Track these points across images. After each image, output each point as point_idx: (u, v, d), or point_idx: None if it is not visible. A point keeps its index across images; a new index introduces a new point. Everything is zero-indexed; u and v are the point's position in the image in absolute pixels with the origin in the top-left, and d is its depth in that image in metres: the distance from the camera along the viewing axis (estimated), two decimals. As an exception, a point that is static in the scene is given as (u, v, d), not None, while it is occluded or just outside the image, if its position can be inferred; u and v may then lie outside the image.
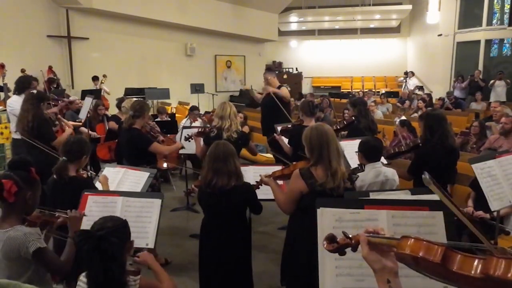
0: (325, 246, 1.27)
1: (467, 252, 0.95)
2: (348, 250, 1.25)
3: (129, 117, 4.02)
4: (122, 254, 1.66)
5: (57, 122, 4.81)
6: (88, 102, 5.89)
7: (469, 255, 0.92)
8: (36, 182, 2.10)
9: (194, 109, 7.22)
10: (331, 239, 1.26)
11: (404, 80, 14.74)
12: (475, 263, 0.89)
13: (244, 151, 4.36)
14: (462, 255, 0.93)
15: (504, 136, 4.71)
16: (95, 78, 9.98)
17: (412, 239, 1.02)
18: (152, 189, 3.55)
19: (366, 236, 1.16)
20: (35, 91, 4.52)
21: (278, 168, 3.19)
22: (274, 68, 6.22)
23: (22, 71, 7.96)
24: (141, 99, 8.92)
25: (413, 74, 14.80)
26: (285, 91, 5.65)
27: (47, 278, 2.11)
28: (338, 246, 1.24)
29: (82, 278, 1.68)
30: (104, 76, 10.02)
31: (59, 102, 5.38)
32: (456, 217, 1.11)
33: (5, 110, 5.57)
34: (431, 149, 3.42)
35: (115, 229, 1.63)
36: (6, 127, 6.39)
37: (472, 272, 0.88)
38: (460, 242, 1.01)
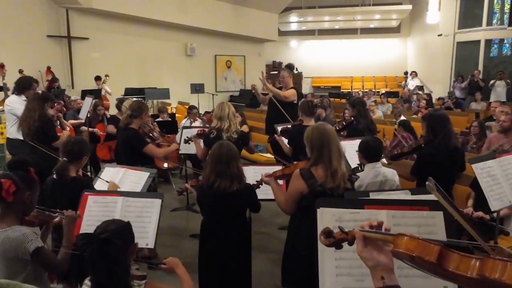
0: (321, 240, 1.28)
1: (464, 250, 0.96)
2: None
3: (127, 116, 4.01)
4: (126, 256, 1.63)
5: (57, 122, 4.82)
6: (88, 102, 5.90)
7: (465, 255, 0.92)
8: (34, 182, 2.10)
9: (192, 108, 7.16)
10: (327, 233, 1.28)
11: (406, 83, 14.67)
12: (472, 263, 0.89)
13: (243, 151, 4.35)
14: (458, 254, 0.93)
15: (504, 134, 4.66)
16: (97, 78, 9.96)
17: (408, 237, 1.01)
18: (148, 190, 3.53)
19: (361, 232, 1.16)
20: (40, 91, 4.53)
21: (278, 168, 3.18)
22: (293, 67, 6.17)
23: (20, 71, 7.94)
24: (141, 99, 8.93)
25: (416, 74, 14.69)
26: (290, 93, 5.56)
27: (44, 279, 2.11)
28: (335, 241, 1.25)
29: (87, 282, 1.65)
30: (107, 76, 10.03)
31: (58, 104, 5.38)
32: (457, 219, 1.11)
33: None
34: (434, 149, 3.41)
35: (119, 231, 1.60)
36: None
37: (469, 273, 0.89)
38: (457, 240, 1.01)
